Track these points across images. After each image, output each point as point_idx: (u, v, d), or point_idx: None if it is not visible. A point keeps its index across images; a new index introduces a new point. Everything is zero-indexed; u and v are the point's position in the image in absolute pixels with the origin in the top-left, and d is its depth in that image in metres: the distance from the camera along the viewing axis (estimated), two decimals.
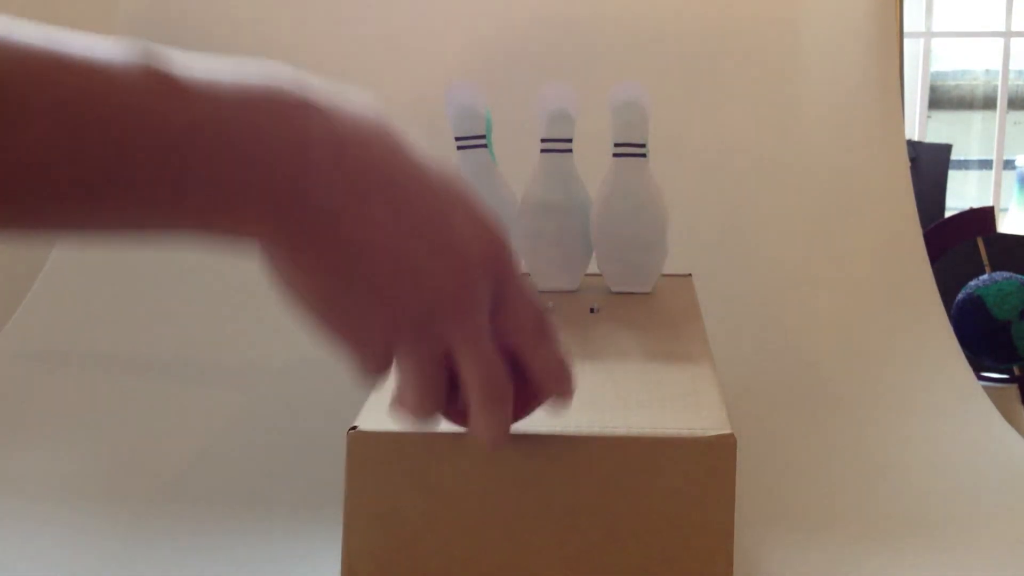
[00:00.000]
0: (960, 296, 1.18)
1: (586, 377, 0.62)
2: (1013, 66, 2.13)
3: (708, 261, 1.07)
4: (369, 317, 0.45)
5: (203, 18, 1.24)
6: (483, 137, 0.87)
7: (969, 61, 2.79)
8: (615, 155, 0.85)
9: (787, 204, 1.19)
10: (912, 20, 2.14)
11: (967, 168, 2.64)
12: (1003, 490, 0.81)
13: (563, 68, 1.22)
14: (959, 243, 1.30)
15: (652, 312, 0.81)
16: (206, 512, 0.76)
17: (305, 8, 1.24)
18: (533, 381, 0.51)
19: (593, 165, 0.88)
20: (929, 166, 1.52)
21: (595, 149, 0.90)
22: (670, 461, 0.53)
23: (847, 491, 0.80)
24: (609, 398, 0.59)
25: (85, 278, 1.19)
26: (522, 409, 0.53)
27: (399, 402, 0.50)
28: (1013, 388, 1.18)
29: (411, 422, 0.50)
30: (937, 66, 2.68)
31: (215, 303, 1.16)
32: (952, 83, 2.78)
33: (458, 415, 0.52)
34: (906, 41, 1.49)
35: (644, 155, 0.85)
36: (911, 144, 1.50)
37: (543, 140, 0.87)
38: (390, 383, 0.62)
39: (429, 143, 0.47)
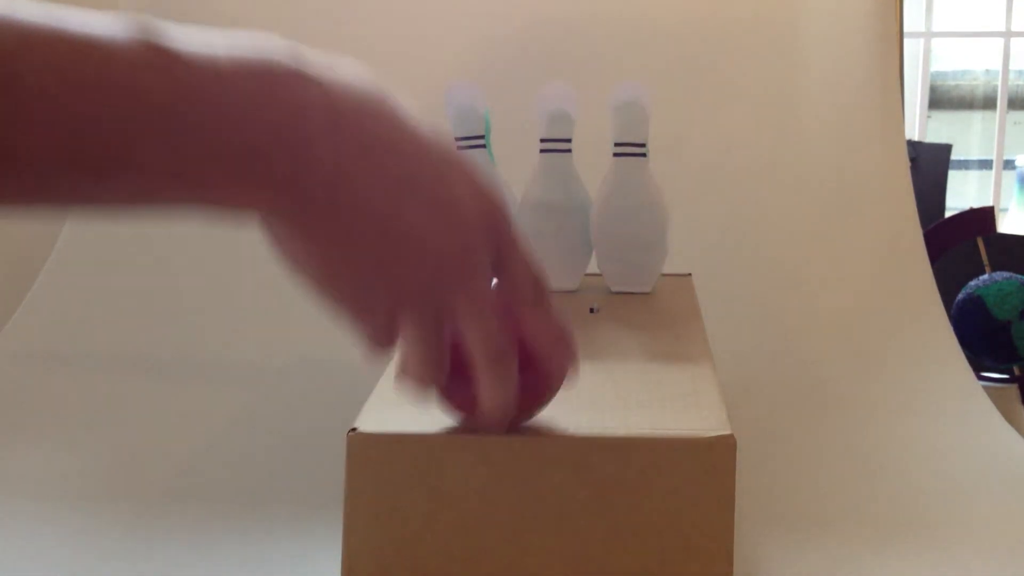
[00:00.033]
0: (960, 296, 1.18)
1: (586, 377, 0.62)
2: (1013, 66, 2.13)
3: (708, 261, 1.07)
4: (372, 285, 0.46)
5: (201, 18, 1.24)
6: (482, 137, 0.87)
7: (969, 61, 2.79)
8: (615, 155, 0.85)
9: (787, 204, 1.19)
10: (912, 20, 2.14)
11: (967, 168, 2.64)
12: (1003, 490, 0.81)
13: (563, 68, 1.21)
14: (959, 243, 1.30)
15: (652, 312, 0.81)
16: (206, 512, 0.76)
17: (305, 8, 1.24)
18: (534, 347, 0.51)
19: (593, 165, 0.88)
20: (929, 166, 1.52)
21: (595, 149, 0.89)
22: (670, 461, 0.53)
23: (847, 491, 0.80)
24: (609, 398, 0.59)
25: (85, 278, 1.19)
26: (530, 402, 0.53)
27: (402, 373, 0.50)
28: (1013, 388, 1.18)
29: (414, 393, 0.50)
30: (937, 66, 2.68)
31: (215, 303, 1.16)
32: (952, 83, 2.78)
33: (464, 400, 0.52)
34: (906, 41, 1.49)
35: (644, 155, 0.85)
36: (911, 144, 1.49)
37: (542, 140, 0.87)
38: (389, 385, 0.62)
39: None
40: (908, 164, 1.22)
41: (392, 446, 0.54)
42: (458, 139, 0.86)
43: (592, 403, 0.58)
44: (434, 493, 0.54)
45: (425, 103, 0.50)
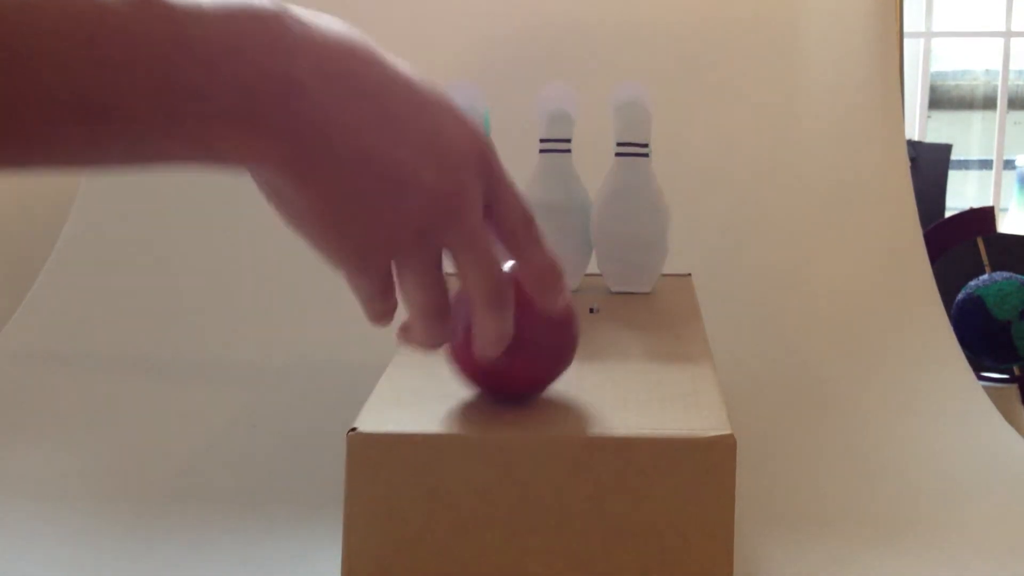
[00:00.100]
0: (960, 296, 1.18)
1: (586, 377, 0.62)
2: (1013, 66, 2.13)
3: (708, 261, 1.07)
4: (367, 229, 0.46)
5: None
6: None
7: (969, 61, 2.79)
8: (617, 155, 0.85)
9: (787, 204, 1.19)
10: (912, 20, 2.14)
11: (967, 168, 2.64)
12: (1003, 490, 0.81)
13: (563, 68, 1.22)
14: (959, 243, 1.30)
15: (652, 312, 0.81)
16: (206, 512, 0.76)
17: (309, 9, 1.24)
18: (524, 280, 0.51)
19: (593, 165, 0.88)
20: (929, 166, 1.52)
21: (595, 149, 0.90)
22: (670, 461, 0.53)
23: (847, 491, 0.80)
24: (609, 398, 0.59)
25: (85, 278, 1.19)
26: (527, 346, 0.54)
27: (405, 332, 0.51)
28: (1013, 388, 1.18)
29: (420, 350, 0.51)
30: (937, 66, 2.68)
31: (215, 303, 1.16)
32: (952, 83, 2.78)
33: (464, 355, 0.53)
34: (906, 41, 1.49)
35: (646, 155, 0.85)
36: (911, 144, 1.50)
37: (542, 140, 0.87)
38: (389, 385, 0.62)
39: None
40: (908, 164, 1.22)
41: (392, 446, 0.54)
42: None
43: (592, 403, 0.58)
44: (434, 493, 0.54)
45: None
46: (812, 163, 1.21)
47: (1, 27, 0.36)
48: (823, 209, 1.19)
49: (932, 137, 2.18)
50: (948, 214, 1.43)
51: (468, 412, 0.57)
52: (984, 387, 1.03)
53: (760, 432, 0.90)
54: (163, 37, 0.39)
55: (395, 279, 0.50)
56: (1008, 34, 2.09)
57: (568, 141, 0.87)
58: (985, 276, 1.19)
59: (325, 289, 1.09)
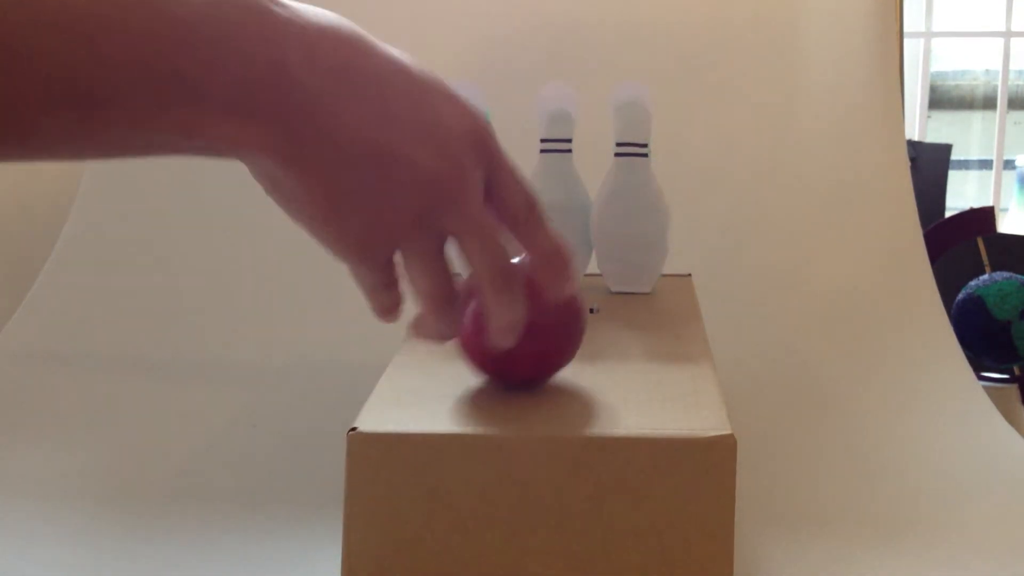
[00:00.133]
0: (960, 296, 1.18)
1: (586, 377, 0.62)
2: (1013, 66, 2.13)
3: (708, 261, 1.07)
4: (365, 216, 0.45)
5: None
6: None
7: (969, 61, 2.79)
8: (617, 155, 0.85)
9: (787, 204, 1.19)
10: (912, 20, 2.14)
11: (967, 168, 2.64)
12: (1003, 490, 0.81)
13: (563, 68, 1.22)
14: (959, 243, 1.30)
15: (652, 312, 0.81)
16: (206, 512, 0.76)
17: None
18: (531, 266, 0.51)
19: (593, 165, 0.88)
20: (929, 166, 1.52)
21: (595, 149, 0.89)
22: (670, 461, 0.53)
23: (847, 491, 0.80)
24: (609, 398, 0.59)
25: (85, 278, 1.19)
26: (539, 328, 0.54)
27: (417, 326, 0.50)
28: (1013, 388, 1.18)
29: (432, 341, 0.50)
30: (937, 66, 2.68)
31: (215, 303, 1.16)
32: (952, 83, 2.78)
33: (472, 342, 0.53)
34: (906, 41, 1.49)
35: (646, 155, 0.85)
36: (911, 144, 1.50)
37: (543, 140, 0.87)
38: (389, 385, 0.62)
39: None
40: (908, 164, 1.22)
41: (392, 446, 0.54)
42: None
43: (592, 403, 0.58)
44: (434, 493, 0.54)
45: None
46: (812, 163, 1.21)
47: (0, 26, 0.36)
48: (823, 209, 1.19)
49: (932, 137, 2.18)
50: (948, 214, 1.43)
51: (468, 412, 0.57)
52: (984, 387, 1.03)
53: (760, 432, 0.90)
54: (151, 24, 0.39)
55: (401, 272, 0.50)
56: (1008, 34, 2.09)
57: (568, 141, 0.87)
58: (985, 276, 1.19)
59: (325, 289, 1.09)
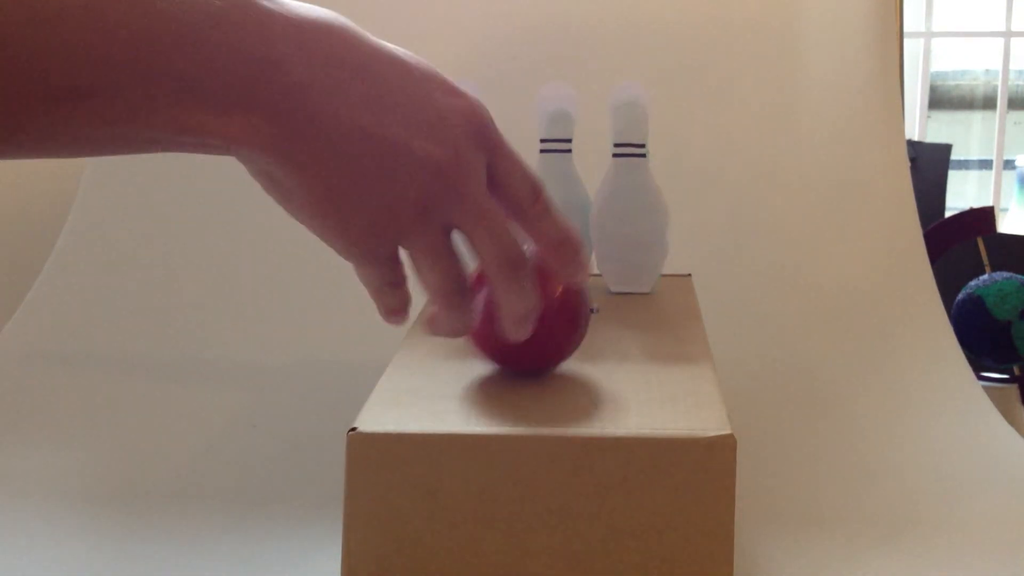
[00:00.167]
0: (960, 296, 1.19)
1: (586, 377, 0.62)
2: (1013, 66, 2.13)
3: (708, 261, 1.07)
4: (366, 209, 0.44)
5: None
6: None
7: (969, 61, 2.79)
8: (615, 155, 0.85)
9: (787, 204, 1.19)
10: (912, 20, 2.14)
11: (967, 168, 2.64)
12: (1003, 490, 0.81)
13: (563, 68, 1.22)
14: (959, 243, 1.30)
15: (652, 312, 0.81)
16: (206, 512, 0.76)
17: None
18: (539, 254, 0.50)
19: (593, 165, 0.88)
20: (929, 166, 1.52)
21: (595, 149, 0.89)
22: (670, 461, 0.53)
23: (847, 491, 0.80)
24: (609, 398, 0.59)
25: (85, 278, 1.19)
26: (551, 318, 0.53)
27: (431, 323, 0.49)
28: (1013, 388, 1.18)
29: (447, 337, 0.49)
30: (937, 66, 2.68)
31: (215, 303, 1.16)
32: (952, 83, 2.78)
33: (480, 331, 0.53)
34: (906, 41, 1.49)
35: (644, 155, 0.85)
36: (911, 144, 1.50)
37: (543, 140, 0.87)
38: (389, 385, 0.62)
39: None
40: (908, 164, 1.22)
41: (392, 446, 0.54)
42: None
43: (592, 403, 0.58)
44: (434, 493, 0.54)
45: None
46: (812, 163, 1.21)
47: None
48: (823, 209, 1.19)
49: (932, 137, 2.18)
50: (948, 214, 1.43)
51: (468, 411, 0.57)
52: (984, 387, 1.03)
53: (760, 432, 0.90)
54: (141, 20, 0.38)
55: (408, 272, 0.49)
56: (1008, 34, 2.09)
57: (568, 141, 0.87)
58: (985, 276, 1.19)
59: (325, 289, 1.09)
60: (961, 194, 2.47)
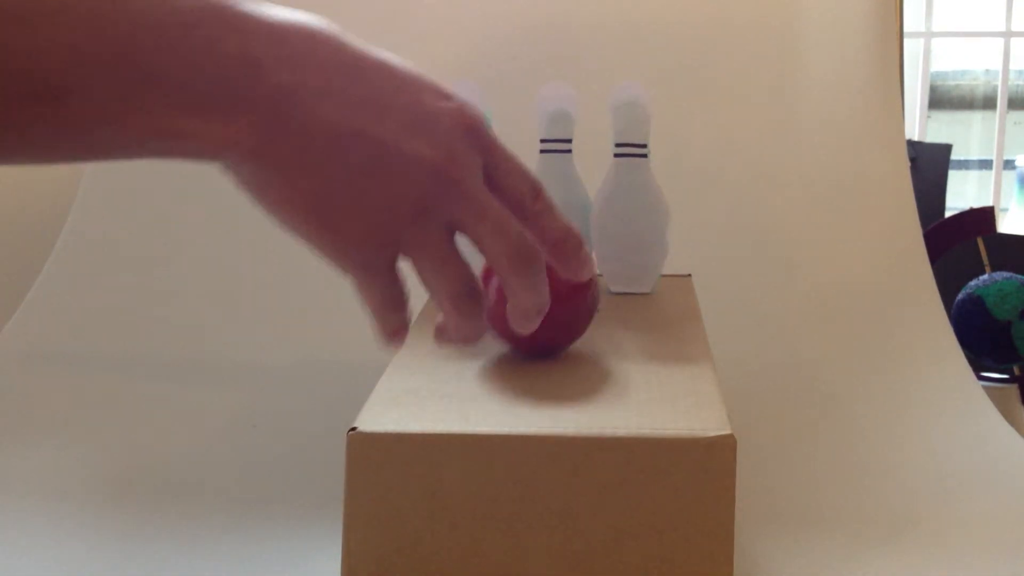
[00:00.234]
0: (960, 296, 1.19)
1: (586, 377, 0.62)
2: (1013, 66, 2.13)
3: (708, 261, 1.07)
4: (359, 216, 0.43)
5: None
6: None
7: (969, 61, 2.79)
8: (616, 155, 0.85)
9: (787, 204, 1.19)
10: (912, 20, 2.14)
11: (967, 168, 2.64)
12: (1003, 490, 0.81)
13: (563, 68, 1.22)
14: (959, 243, 1.30)
15: (652, 312, 0.81)
16: (206, 512, 0.76)
17: (305, 9, 1.24)
18: (540, 246, 0.48)
19: (593, 165, 0.89)
20: (929, 166, 1.52)
21: (595, 149, 0.90)
22: (670, 461, 0.53)
23: (847, 491, 0.80)
24: (609, 398, 0.59)
25: (85, 278, 1.19)
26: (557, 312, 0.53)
27: (441, 333, 0.47)
28: (1013, 388, 1.18)
29: (460, 346, 0.47)
30: (937, 66, 2.68)
31: (215, 303, 1.16)
32: (952, 83, 2.78)
33: (493, 313, 0.54)
34: (906, 41, 1.49)
35: (645, 155, 0.85)
36: (911, 144, 1.50)
37: (543, 140, 0.87)
38: (389, 385, 0.62)
39: None
40: (908, 164, 1.22)
41: (392, 446, 0.54)
42: None
43: (592, 403, 0.58)
44: (434, 493, 0.54)
45: None
46: (812, 163, 1.21)
47: None
48: (823, 209, 1.19)
49: (932, 137, 2.18)
50: (948, 214, 1.43)
51: (468, 411, 0.57)
52: (984, 387, 1.03)
53: (760, 432, 0.90)
54: (119, 20, 0.38)
55: (412, 285, 0.47)
56: (1008, 34, 2.09)
57: (568, 141, 0.87)
58: (985, 276, 1.19)
59: (325, 289, 1.09)
60: (961, 194, 2.47)
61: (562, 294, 0.56)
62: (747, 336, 1.07)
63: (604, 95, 0.87)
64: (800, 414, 0.96)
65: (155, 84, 0.39)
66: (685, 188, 1.13)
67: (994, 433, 0.93)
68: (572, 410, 0.57)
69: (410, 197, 0.43)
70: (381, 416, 0.56)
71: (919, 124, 2.17)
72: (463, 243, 0.46)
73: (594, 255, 0.88)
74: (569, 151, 0.87)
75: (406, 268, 0.46)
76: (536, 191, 0.47)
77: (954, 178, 1.58)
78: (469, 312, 0.46)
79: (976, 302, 1.16)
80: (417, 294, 0.50)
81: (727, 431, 0.53)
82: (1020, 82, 2.70)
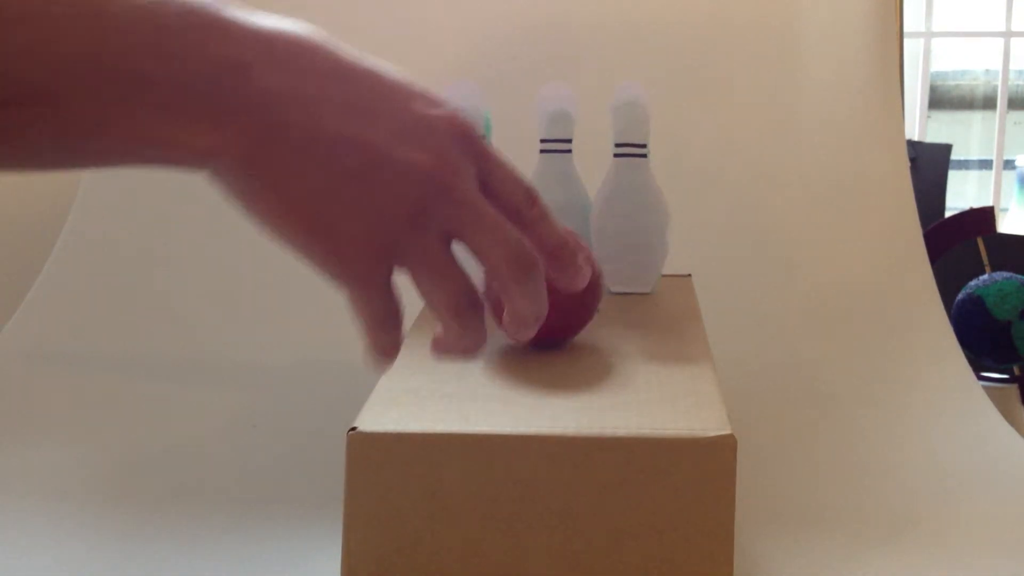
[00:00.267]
0: (960, 296, 1.19)
1: (587, 378, 0.62)
2: (1013, 66, 2.13)
3: (708, 261, 1.07)
4: (350, 224, 0.42)
5: None
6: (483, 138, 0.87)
7: (969, 61, 2.79)
8: (616, 155, 0.85)
9: (787, 204, 1.19)
10: (912, 20, 2.14)
11: (967, 168, 2.64)
12: (1003, 490, 0.81)
13: (563, 68, 1.22)
14: (959, 243, 1.30)
15: (652, 312, 0.81)
16: (206, 512, 0.76)
17: (304, 9, 1.24)
18: (539, 253, 0.47)
19: (593, 165, 0.89)
20: (929, 166, 1.52)
21: (595, 149, 0.90)
22: (670, 461, 0.53)
23: (847, 491, 0.80)
24: (609, 398, 0.59)
25: (85, 278, 1.19)
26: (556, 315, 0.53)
27: (438, 345, 0.46)
28: (1013, 388, 1.18)
29: (459, 358, 0.46)
30: (937, 66, 2.68)
31: (215, 303, 1.16)
32: (952, 83, 2.78)
33: (497, 306, 0.54)
34: (906, 41, 1.49)
35: (645, 155, 0.85)
36: (911, 144, 1.50)
37: (543, 140, 0.87)
38: (389, 385, 0.62)
39: None
40: (908, 164, 1.22)
41: (392, 446, 0.54)
42: None
43: (592, 403, 0.58)
44: (434, 493, 0.54)
45: None
46: (812, 163, 1.21)
47: None
48: (823, 209, 1.19)
49: (932, 137, 2.18)
50: (948, 214, 1.43)
51: (468, 411, 0.57)
52: (984, 387, 1.03)
53: (760, 432, 0.90)
54: (104, 24, 0.37)
55: (408, 300, 0.46)
56: (1008, 34, 2.09)
57: (568, 141, 0.87)
58: (985, 276, 1.19)
59: (325, 289, 1.09)
60: (961, 194, 2.47)
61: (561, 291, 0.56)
62: (747, 336, 1.07)
63: (604, 95, 0.87)
64: (800, 414, 0.95)
65: (139, 89, 0.38)
66: (685, 188, 1.13)
67: (994, 433, 0.93)
68: (572, 410, 0.57)
69: (404, 203, 0.42)
70: (381, 416, 0.56)
71: (919, 124, 2.17)
72: (460, 253, 0.45)
73: (594, 255, 0.88)
74: (569, 151, 0.87)
75: (401, 282, 0.45)
76: (531, 197, 0.46)
77: (954, 178, 1.58)
78: (469, 323, 0.45)
79: (976, 302, 1.16)
80: (413, 299, 0.50)
81: (727, 431, 0.53)
82: (1020, 82, 2.70)
